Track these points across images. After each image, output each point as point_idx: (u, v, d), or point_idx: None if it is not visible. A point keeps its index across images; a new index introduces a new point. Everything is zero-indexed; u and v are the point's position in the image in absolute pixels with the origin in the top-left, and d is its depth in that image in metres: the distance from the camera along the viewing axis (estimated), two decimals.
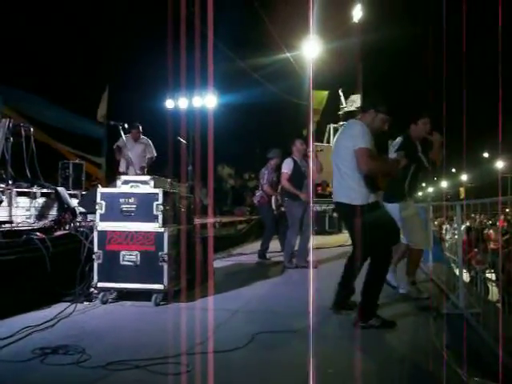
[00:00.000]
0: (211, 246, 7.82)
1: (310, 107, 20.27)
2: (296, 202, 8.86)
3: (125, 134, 10.47)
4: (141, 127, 11.07)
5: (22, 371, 3.77)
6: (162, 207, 5.87)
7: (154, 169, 10.39)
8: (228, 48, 15.92)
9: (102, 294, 5.94)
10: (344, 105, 23.74)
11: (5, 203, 7.46)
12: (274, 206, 10.18)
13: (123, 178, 6.17)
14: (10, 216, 8.24)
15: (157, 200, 5.89)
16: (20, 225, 7.15)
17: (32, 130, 10.38)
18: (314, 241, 9.88)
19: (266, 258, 10.19)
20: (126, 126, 10.32)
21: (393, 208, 6.16)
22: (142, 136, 11.08)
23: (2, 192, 7.46)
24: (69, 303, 5.55)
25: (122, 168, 10.76)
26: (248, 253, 11.31)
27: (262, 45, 17.54)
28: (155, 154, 11.10)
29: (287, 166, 9.07)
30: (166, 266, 5.82)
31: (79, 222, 7.38)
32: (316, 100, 21.20)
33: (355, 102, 22.49)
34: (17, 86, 15.15)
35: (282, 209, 9.98)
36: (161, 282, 5.83)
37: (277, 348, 4.36)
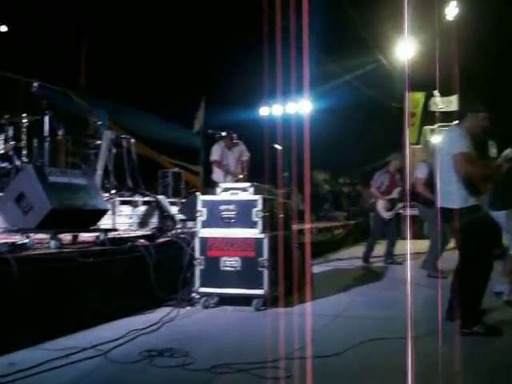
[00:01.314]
0: (308, 251, 7.82)
1: (406, 110, 19.88)
2: (430, 209, 8.30)
3: (220, 140, 10.66)
4: (235, 135, 11.20)
5: (131, 372, 3.91)
6: (261, 213, 5.95)
7: (250, 176, 10.50)
8: (320, 52, 15.88)
9: (203, 299, 6.07)
10: (440, 106, 23.14)
11: (109, 212, 7.74)
12: (380, 210, 10.01)
13: (223, 185, 6.31)
14: (114, 224, 8.57)
15: (256, 206, 5.98)
16: (124, 232, 7.41)
17: (133, 141, 10.77)
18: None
19: (369, 262, 10.08)
20: (223, 133, 10.50)
21: (499, 215, 5.98)
22: (236, 142, 11.17)
23: (107, 201, 7.76)
24: (172, 308, 5.71)
25: (217, 177, 10.86)
26: (345, 258, 11.23)
27: (355, 48, 17.38)
28: (249, 155, 11.17)
29: (422, 171, 8.69)
30: (265, 272, 5.89)
31: (180, 229, 7.57)
32: (412, 102, 20.79)
33: (452, 102, 21.87)
34: (118, 100, 15.75)
35: (390, 214, 9.86)
36: (261, 288, 5.89)
37: (377, 355, 4.30)
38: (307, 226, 12.27)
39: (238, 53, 15.43)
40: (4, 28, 15.11)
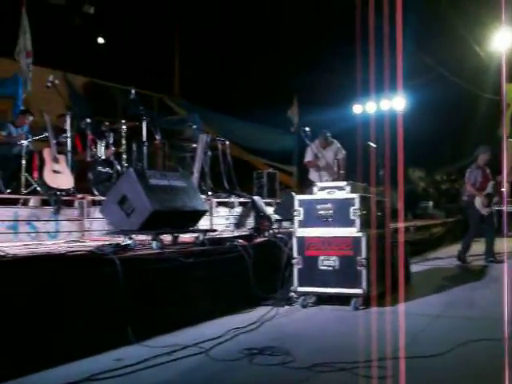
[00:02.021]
0: (405, 250, 7.68)
1: (503, 101, 19.12)
2: None
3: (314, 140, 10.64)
4: (328, 134, 11.14)
5: (232, 370, 3.96)
6: (358, 212, 5.89)
7: (345, 174, 10.43)
8: (414, 46, 15.53)
9: (301, 298, 6.08)
10: None
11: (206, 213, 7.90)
12: (478, 207, 9.70)
13: (320, 184, 6.30)
14: (211, 225, 8.74)
15: (353, 205, 5.92)
16: (222, 233, 7.53)
17: (228, 143, 10.95)
18: None
19: (467, 261, 9.78)
20: (307, 129, 10.45)
21: None
22: (330, 140, 11.10)
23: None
24: (270, 307, 5.73)
25: (313, 177, 10.85)
26: (444, 257, 10.93)
27: (449, 40, 16.87)
28: (344, 153, 11.09)
29: None
30: (364, 271, 5.82)
31: (277, 228, 7.62)
32: (509, 94, 19.98)
33: None
34: (210, 104, 16.05)
35: (488, 210, 9.55)
36: (359, 287, 5.84)
37: (482, 357, 4.15)
38: (403, 224, 12.05)
39: (329, 50, 15.33)
40: (101, 40, 15.73)
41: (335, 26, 14.14)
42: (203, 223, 7.43)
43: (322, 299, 6.17)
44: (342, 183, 6.21)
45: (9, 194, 8.11)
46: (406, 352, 4.15)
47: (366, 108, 16.91)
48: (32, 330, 3.97)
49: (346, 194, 6.08)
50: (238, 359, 4.12)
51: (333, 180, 9.98)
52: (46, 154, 8.22)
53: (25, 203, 7.75)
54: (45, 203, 7.68)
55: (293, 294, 6.17)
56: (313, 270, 6.01)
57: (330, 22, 14.89)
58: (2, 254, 4.51)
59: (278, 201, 10.39)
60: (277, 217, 8.56)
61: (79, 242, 6.93)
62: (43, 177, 7.99)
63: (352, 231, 5.92)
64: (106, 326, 4.47)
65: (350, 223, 5.93)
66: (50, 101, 10.75)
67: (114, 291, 4.54)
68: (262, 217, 8.13)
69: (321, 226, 6.04)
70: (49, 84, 9.09)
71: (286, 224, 8.19)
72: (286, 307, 6.00)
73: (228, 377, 3.87)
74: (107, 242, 5.81)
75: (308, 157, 10.74)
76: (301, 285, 6.08)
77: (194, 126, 11.64)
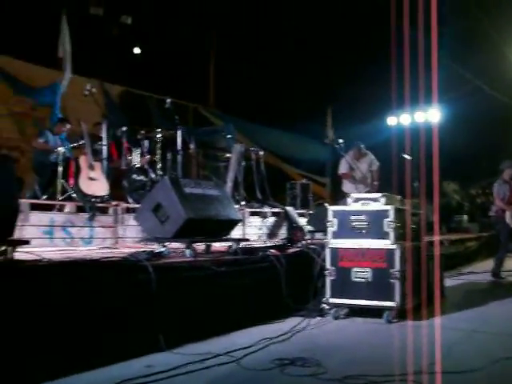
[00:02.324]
0: (440, 263, 7.58)
1: None
2: None
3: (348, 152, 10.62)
4: (362, 146, 11.10)
5: (263, 379, 3.95)
6: (393, 224, 5.84)
7: (380, 186, 10.38)
8: (449, 58, 15.39)
9: (334, 309, 6.04)
10: None
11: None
12: (508, 221, 9.56)
13: (354, 195, 6.27)
14: (244, 234, 8.75)
15: (388, 217, 5.88)
16: (255, 242, 7.53)
17: (261, 153, 10.97)
18: None
19: (501, 277, 9.62)
20: (340, 141, 10.43)
21: None
22: (364, 152, 11.07)
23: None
24: (302, 318, 5.72)
25: (347, 188, 10.82)
26: (479, 271, 10.76)
27: (485, 52, 16.68)
28: (378, 164, 11.04)
29: None
30: (397, 283, 5.76)
31: (310, 239, 7.60)
32: None
33: None
34: (245, 114, 16.11)
35: None
36: (392, 300, 5.77)
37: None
38: (438, 237, 11.91)
39: (364, 62, 15.28)
40: (137, 50, 15.93)
41: (371, 38, 14.09)
42: (236, 233, 7.44)
43: (354, 311, 6.12)
44: (377, 195, 6.17)
45: (45, 200, 8.23)
46: (438, 367, 4.08)
47: (400, 120, 16.80)
48: (63, 335, 4.01)
49: (380, 205, 6.04)
50: (270, 369, 4.11)
51: (367, 192, 9.92)
52: (83, 161, 8.35)
53: (60, 209, 7.86)
54: (80, 209, 7.78)
55: (325, 305, 6.13)
56: (345, 281, 5.97)
57: (365, 34, 14.84)
58: (38, 258, 4.57)
59: (311, 212, 10.37)
60: (309, 228, 8.53)
61: (113, 248, 7.00)
62: (79, 184, 8.10)
63: (386, 243, 5.87)
64: (137, 333, 4.49)
65: (384, 235, 5.88)
66: (86, 109, 10.91)
67: (146, 298, 4.57)
68: (294, 227, 8.12)
69: (354, 238, 6.00)
70: (86, 92, 9.24)
71: (318, 235, 8.16)
72: (318, 318, 5.96)
73: None
74: (141, 249, 5.85)
75: (343, 168, 10.71)
76: (333, 296, 6.04)
77: (229, 136, 11.69)
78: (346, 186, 10.81)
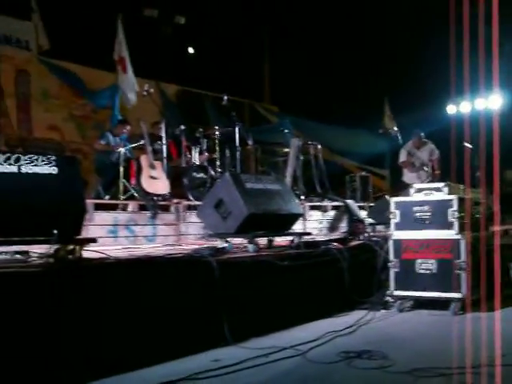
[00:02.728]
0: (505, 254, 7.39)
1: None
2: None
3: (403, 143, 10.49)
4: (422, 134, 10.95)
5: (330, 372, 3.94)
6: (457, 214, 5.74)
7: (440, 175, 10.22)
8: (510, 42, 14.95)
9: (398, 302, 5.98)
10: None
11: None
12: None
13: (416, 186, 6.18)
14: (305, 229, 8.74)
15: (452, 207, 5.77)
16: (317, 236, 7.52)
17: (319, 147, 10.94)
18: None
19: None
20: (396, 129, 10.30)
21: None
22: (424, 141, 10.94)
23: None
24: (366, 311, 5.67)
25: (408, 178, 10.71)
26: None
27: None
28: (438, 153, 10.88)
29: None
30: (463, 274, 5.66)
31: (371, 232, 7.53)
32: None
33: None
34: (300, 109, 16.07)
35: None
36: (459, 291, 5.67)
37: None
38: (502, 227, 11.60)
39: (421, 48, 15.02)
40: (192, 50, 16.11)
41: (429, 24, 13.83)
42: (297, 227, 7.44)
43: (419, 303, 6.05)
44: (440, 184, 6.06)
45: (108, 200, 8.42)
46: (505, 360, 3.99)
47: (460, 108, 16.44)
48: (132, 330, 4.10)
49: (443, 195, 5.94)
50: (336, 362, 4.10)
51: (428, 181, 9.78)
52: (143, 160, 8.49)
53: (123, 208, 8.01)
54: (142, 208, 7.91)
55: (389, 297, 6.08)
56: (410, 273, 5.91)
57: (423, 20, 14.57)
58: (105, 256, 4.68)
59: (372, 204, 10.28)
60: (370, 220, 8.46)
61: (176, 245, 7.10)
62: (141, 183, 8.24)
63: (450, 233, 5.77)
64: (203, 327, 4.56)
65: (449, 225, 5.78)
66: (145, 109, 11.11)
67: (211, 293, 4.63)
68: (355, 220, 8.06)
69: (418, 229, 5.92)
70: (145, 93, 9.41)
71: (379, 228, 8.09)
72: (383, 311, 5.91)
73: (326, 379, 3.85)
74: (204, 246, 5.92)
75: (402, 157, 10.61)
76: (397, 288, 5.98)
77: (286, 131, 11.69)
78: (407, 176, 10.70)
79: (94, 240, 4.75)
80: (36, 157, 4.22)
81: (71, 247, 4.31)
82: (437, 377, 3.71)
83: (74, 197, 4.36)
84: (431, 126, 12.38)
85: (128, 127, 9.67)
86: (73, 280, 3.91)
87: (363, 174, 12.36)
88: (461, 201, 5.87)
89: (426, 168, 10.65)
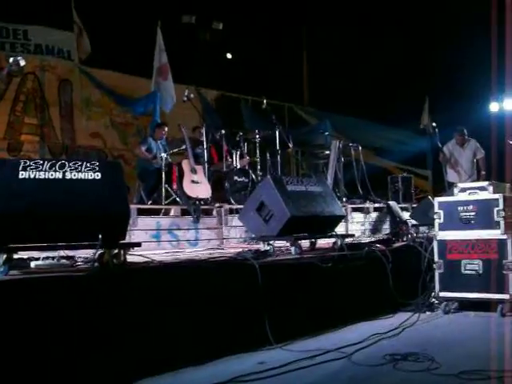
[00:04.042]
0: None
1: None
2: None
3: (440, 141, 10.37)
4: (465, 131, 10.81)
5: (376, 375, 3.90)
6: (503, 213, 5.63)
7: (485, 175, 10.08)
8: None
9: (443, 303, 5.89)
10: None
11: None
12: None
13: (460, 185, 6.10)
14: (347, 231, 8.70)
15: (497, 206, 5.66)
16: (360, 238, 7.48)
17: (360, 148, 10.88)
18: None
19: None
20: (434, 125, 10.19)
21: None
22: (467, 138, 10.79)
23: None
24: (411, 313, 5.61)
25: (451, 178, 10.58)
26: None
27: None
28: (483, 152, 10.72)
29: None
30: (511, 275, 5.54)
31: (415, 233, 7.46)
32: None
33: None
34: (340, 110, 16.02)
35: None
36: (506, 292, 5.55)
37: None
38: None
39: (464, 46, 14.81)
40: (230, 55, 16.23)
41: (470, 21, 13.64)
42: (339, 229, 7.41)
43: (465, 305, 5.93)
44: (484, 183, 5.95)
45: (151, 204, 8.51)
46: None
47: (503, 105, 16.18)
48: (178, 330, 4.15)
49: (488, 194, 5.83)
50: (381, 364, 4.06)
51: (473, 181, 9.63)
52: (185, 165, 8.57)
53: (166, 213, 8.09)
54: (185, 213, 7.98)
55: (434, 299, 6.01)
56: (455, 274, 5.82)
57: (464, 18, 14.38)
58: (149, 260, 4.73)
59: (414, 205, 10.18)
60: (413, 221, 8.38)
61: (218, 249, 7.14)
62: (183, 187, 8.32)
63: (496, 233, 5.65)
64: (248, 330, 4.57)
65: (494, 225, 5.66)
66: (185, 115, 11.23)
67: (255, 296, 4.63)
68: (398, 222, 8.00)
69: (463, 229, 5.82)
70: (185, 98, 9.51)
71: (422, 229, 8.00)
72: (428, 313, 5.84)
73: (372, 382, 3.83)
74: (247, 249, 5.94)
75: (444, 154, 10.50)
76: (442, 290, 5.90)
77: (326, 133, 11.66)
78: (451, 175, 10.55)
79: (138, 244, 4.81)
80: (80, 163, 4.30)
81: (116, 251, 4.36)
82: (485, 379, 3.65)
83: (118, 202, 4.41)
84: (474, 124, 12.21)
85: (166, 129, 9.80)
86: (118, 284, 3.97)
87: (405, 174, 12.25)
88: (506, 200, 5.76)
89: (470, 167, 10.50)
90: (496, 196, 5.73)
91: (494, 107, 16.29)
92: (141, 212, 7.47)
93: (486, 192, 5.86)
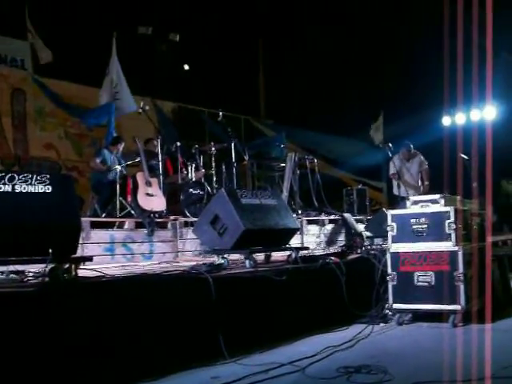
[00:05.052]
0: (505, 264, 7.37)
1: None
2: None
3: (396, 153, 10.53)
4: (411, 145, 11.01)
5: None
6: (454, 225, 5.73)
7: (437, 188, 10.23)
8: (506, 51, 15.04)
9: (397, 315, 5.94)
10: None
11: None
12: None
13: (413, 198, 6.19)
14: (302, 243, 8.73)
15: (448, 218, 5.76)
16: (314, 250, 7.50)
17: (316, 161, 10.95)
18: None
19: None
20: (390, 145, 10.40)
21: None
22: (413, 152, 10.99)
23: None
24: (365, 324, 5.64)
25: (396, 191, 10.74)
26: None
27: None
28: (427, 163, 10.94)
29: None
30: (462, 286, 5.63)
31: (369, 245, 7.52)
32: None
33: None
34: (296, 122, 16.12)
35: None
36: (457, 303, 5.63)
37: None
38: (500, 237, 11.60)
39: (417, 60, 15.09)
40: (187, 66, 16.20)
41: (423, 36, 13.90)
42: (294, 241, 7.42)
43: (418, 316, 6.00)
44: (436, 196, 6.05)
45: (105, 217, 8.40)
46: (508, 372, 3.97)
47: (455, 119, 16.48)
48: (129, 345, 4.11)
49: (440, 207, 5.93)
50: (335, 377, 4.06)
51: (418, 194, 9.81)
52: (139, 177, 8.47)
53: (120, 226, 7.99)
54: (139, 225, 7.89)
55: (388, 311, 6.04)
56: (408, 286, 5.88)
57: (417, 32, 14.64)
58: (101, 274, 4.66)
59: (369, 217, 10.28)
60: (368, 233, 8.45)
61: (173, 262, 7.08)
62: (137, 200, 8.23)
63: (448, 245, 5.75)
64: (201, 344, 4.53)
65: (446, 237, 5.76)
66: (140, 127, 11.14)
67: (208, 310, 4.61)
68: (353, 234, 8.06)
69: (415, 241, 5.90)
70: (140, 110, 9.43)
71: (377, 241, 8.08)
72: (381, 325, 5.87)
73: None
74: (201, 262, 5.90)
75: (392, 169, 10.67)
76: (396, 302, 5.95)
77: (282, 146, 11.71)
78: (396, 189, 10.72)
79: (89, 259, 4.74)
80: (30, 175, 4.22)
81: (66, 266, 4.29)
82: None
83: (69, 215, 4.35)
84: (427, 138, 12.41)
85: (122, 144, 9.70)
86: (68, 299, 3.89)
87: (360, 186, 12.37)
88: (457, 212, 5.87)
89: (415, 180, 10.71)
90: (447, 209, 5.83)
91: (446, 121, 16.58)
92: (94, 225, 7.35)
93: (437, 205, 5.96)
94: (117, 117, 11.47)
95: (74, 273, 4.34)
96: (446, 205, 5.93)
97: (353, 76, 16.45)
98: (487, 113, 15.44)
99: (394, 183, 10.87)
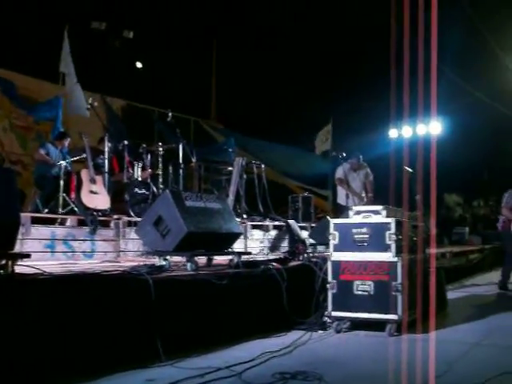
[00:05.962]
0: (441, 276, 7.54)
1: None
2: None
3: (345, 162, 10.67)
4: (360, 157, 11.17)
5: None
6: (394, 236, 5.83)
7: (380, 199, 10.41)
8: (450, 69, 15.42)
9: (336, 323, 6.00)
10: None
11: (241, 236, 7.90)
12: None
13: (355, 208, 6.26)
14: (246, 248, 8.74)
15: (389, 229, 5.86)
16: (257, 256, 7.52)
17: (263, 167, 11.00)
18: None
19: (508, 288, 9.54)
20: (344, 154, 10.53)
21: None
22: (361, 163, 11.16)
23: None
24: (304, 331, 5.69)
25: (341, 200, 10.87)
26: (482, 284, 10.73)
27: (485, 62, 16.70)
28: (372, 175, 11.12)
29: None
30: (400, 296, 5.73)
31: (312, 252, 7.58)
32: None
33: None
34: (245, 128, 16.17)
35: None
36: (395, 312, 5.73)
37: None
38: (440, 250, 11.89)
39: (365, 74, 15.34)
40: (139, 64, 16.05)
41: (370, 50, 14.15)
42: (238, 246, 7.43)
43: (357, 324, 6.07)
44: (378, 207, 6.14)
45: (46, 213, 8.23)
46: (441, 381, 4.05)
47: (401, 133, 16.82)
48: (64, 344, 4.03)
49: (381, 218, 6.02)
50: (271, 383, 4.08)
51: (362, 204, 9.96)
52: (84, 174, 8.35)
53: (62, 223, 7.84)
54: (81, 223, 7.77)
55: (327, 318, 6.10)
56: (347, 294, 5.94)
57: (364, 47, 14.90)
58: (39, 271, 4.56)
59: (313, 225, 10.37)
60: (311, 241, 8.51)
61: (114, 262, 7.00)
62: (80, 197, 8.10)
63: (388, 256, 5.84)
64: (137, 346, 4.49)
65: (386, 248, 5.85)
66: (88, 123, 10.97)
67: (146, 311, 4.57)
68: (296, 240, 8.10)
69: (356, 251, 5.97)
70: (88, 106, 9.29)
71: (320, 248, 8.16)
72: (320, 332, 5.91)
73: None
74: (142, 263, 5.85)
75: (338, 174, 10.80)
76: (335, 309, 6.01)
77: (230, 150, 11.71)
78: (341, 198, 10.85)
79: (27, 255, 4.62)
80: None
81: (3, 262, 4.18)
82: None
83: (7, 210, 4.24)
84: (374, 150, 12.62)
85: (68, 140, 9.54)
86: (4, 296, 3.80)
87: (305, 194, 12.48)
88: (398, 224, 5.97)
89: (360, 190, 10.87)
90: (388, 220, 5.93)
91: (393, 134, 16.90)
92: (35, 221, 7.20)
93: (379, 216, 6.05)
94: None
95: (10, 269, 4.23)
96: (387, 216, 6.02)
97: (303, 86, 16.61)
98: (432, 128, 15.82)
99: (342, 192, 10.99)
